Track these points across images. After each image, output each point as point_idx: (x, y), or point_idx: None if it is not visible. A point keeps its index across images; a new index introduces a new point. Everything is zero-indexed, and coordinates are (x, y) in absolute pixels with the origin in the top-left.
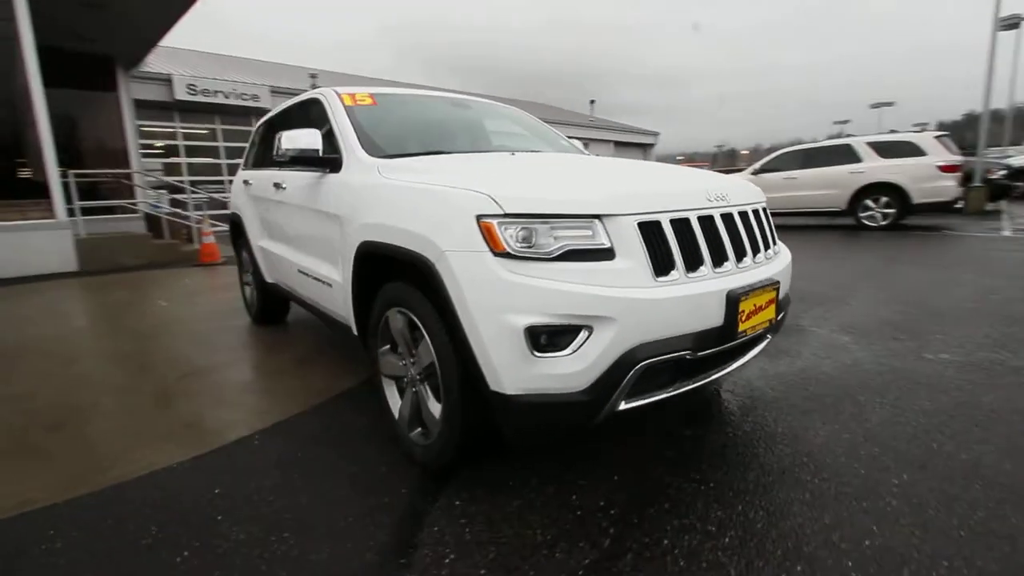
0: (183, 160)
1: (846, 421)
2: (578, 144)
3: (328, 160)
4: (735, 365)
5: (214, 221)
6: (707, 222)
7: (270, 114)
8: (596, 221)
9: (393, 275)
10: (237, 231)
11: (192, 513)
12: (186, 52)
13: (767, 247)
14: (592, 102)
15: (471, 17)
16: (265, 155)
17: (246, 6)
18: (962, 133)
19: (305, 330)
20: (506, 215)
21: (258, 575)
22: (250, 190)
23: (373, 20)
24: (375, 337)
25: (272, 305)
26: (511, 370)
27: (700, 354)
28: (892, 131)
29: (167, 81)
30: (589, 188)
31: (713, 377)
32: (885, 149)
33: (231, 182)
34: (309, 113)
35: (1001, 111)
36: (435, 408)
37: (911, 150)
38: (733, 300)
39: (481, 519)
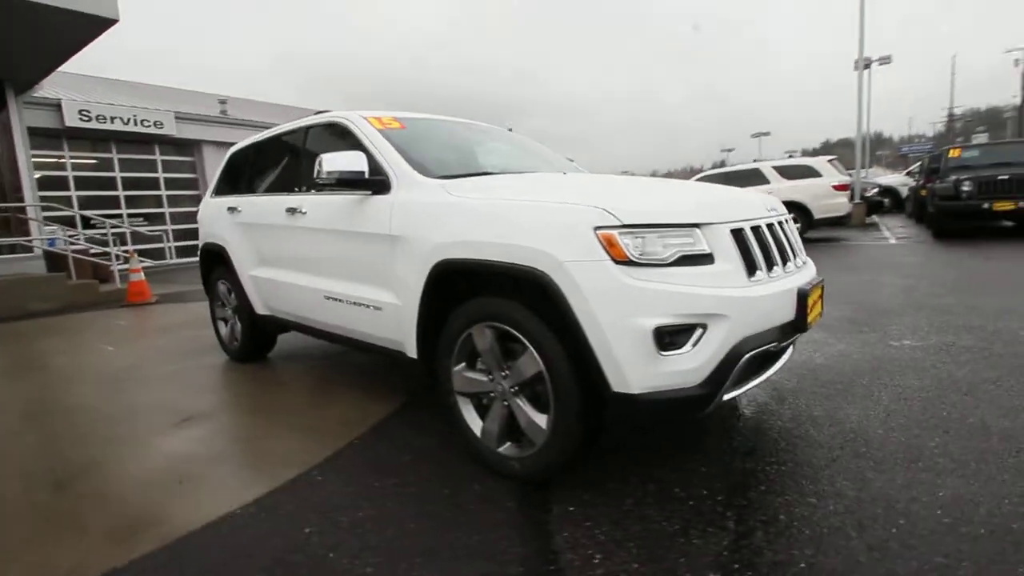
0: (72, 193)
1: (864, 401)
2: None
3: (373, 182)
4: (784, 359)
5: (141, 257)
6: (769, 230)
7: (255, 139)
8: (696, 229)
9: (476, 291)
10: (212, 262)
11: (296, 553)
12: (79, 76)
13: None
14: (510, 129)
15: (383, 51)
16: (257, 180)
17: (149, 31)
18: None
19: (295, 363)
20: (624, 226)
21: None
22: (239, 217)
23: (279, 46)
24: (448, 356)
25: (260, 340)
26: (638, 370)
27: (781, 345)
28: (791, 155)
29: (56, 107)
30: (683, 200)
31: (774, 369)
32: (788, 172)
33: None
34: (324, 136)
35: (852, 139)
36: (539, 419)
37: (810, 172)
38: (803, 296)
39: (605, 520)
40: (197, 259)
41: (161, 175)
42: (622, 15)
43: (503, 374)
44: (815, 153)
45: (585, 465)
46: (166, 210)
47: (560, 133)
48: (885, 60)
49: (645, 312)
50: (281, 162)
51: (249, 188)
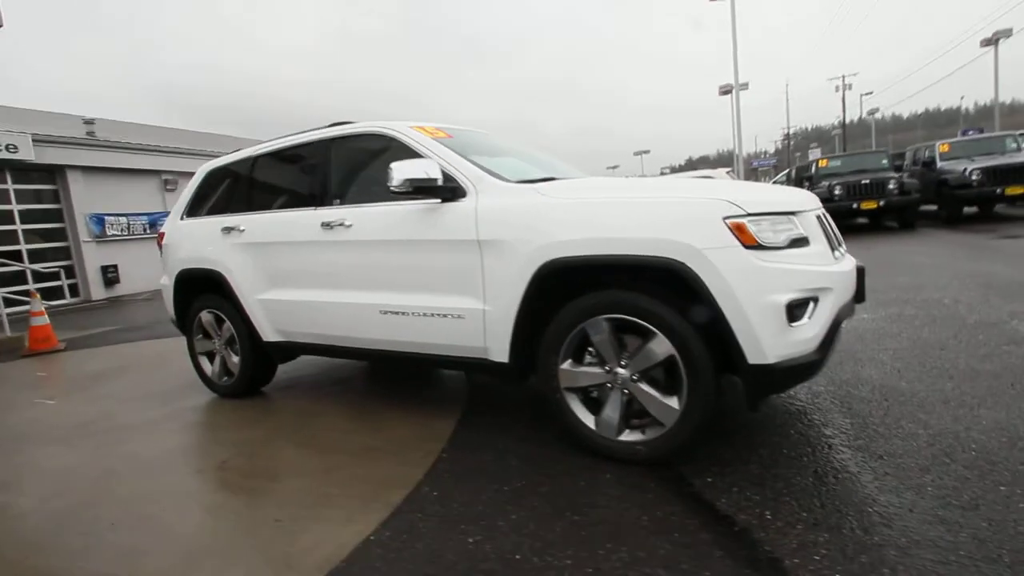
0: None
1: (872, 363)
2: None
3: (446, 189)
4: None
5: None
6: (825, 218)
7: (248, 153)
8: (794, 216)
9: (584, 288)
10: (193, 291)
11: (483, 561)
12: None
13: None
14: None
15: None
16: (262, 197)
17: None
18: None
19: (298, 393)
20: (748, 215)
21: None
22: (241, 237)
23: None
24: (554, 354)
25: (262, 371)
26: (773, 341)
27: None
28: (663, 172)
29: None
30: (775, 192)
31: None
32: None
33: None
34: (358, 148)
35: (709, 156)
36: (669, 401)
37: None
38: (861, 272)
39: (747, 484)
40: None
41: (15, 207)
42: (502, 47)
43: (622, 363)
44: (681, 169)
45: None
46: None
47: None
48: (743, 87)
49: (777, 289)
50: (298, 176)
51: (250, 206)
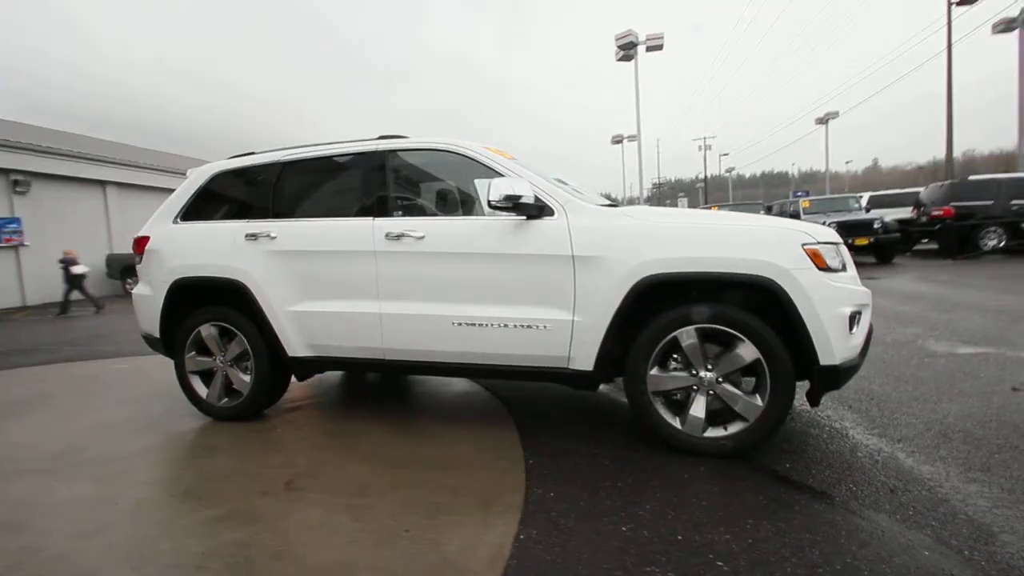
0: None
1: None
2: None
3: (536, 207)
4: None
5: None
6: None
7: (285, 157)
8: (840, 247)
9: (674, 301)
10: (199, 301)
11: (673, 548)
12: None
13: None
14: None
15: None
16: (299, 203)
17: None
18: None
19: (307, 415)
20: (818, 242)
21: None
22: (275, 244)
23: None
24: (645, 361)
25: (275, 391)
26: (839, 346)
27: None
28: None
29: None
30: (822, 228)
31: None
32: None
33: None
34: (423, 162)
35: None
36: (753, 399)
37: None
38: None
39: (823, 465)
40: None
41: None
42: (390, 71)
43: (709, 368)
44: None
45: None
46: None
47: None
48: (632, 139)
49: (844, 303)
50: (346, 185)
51: (281, 212)
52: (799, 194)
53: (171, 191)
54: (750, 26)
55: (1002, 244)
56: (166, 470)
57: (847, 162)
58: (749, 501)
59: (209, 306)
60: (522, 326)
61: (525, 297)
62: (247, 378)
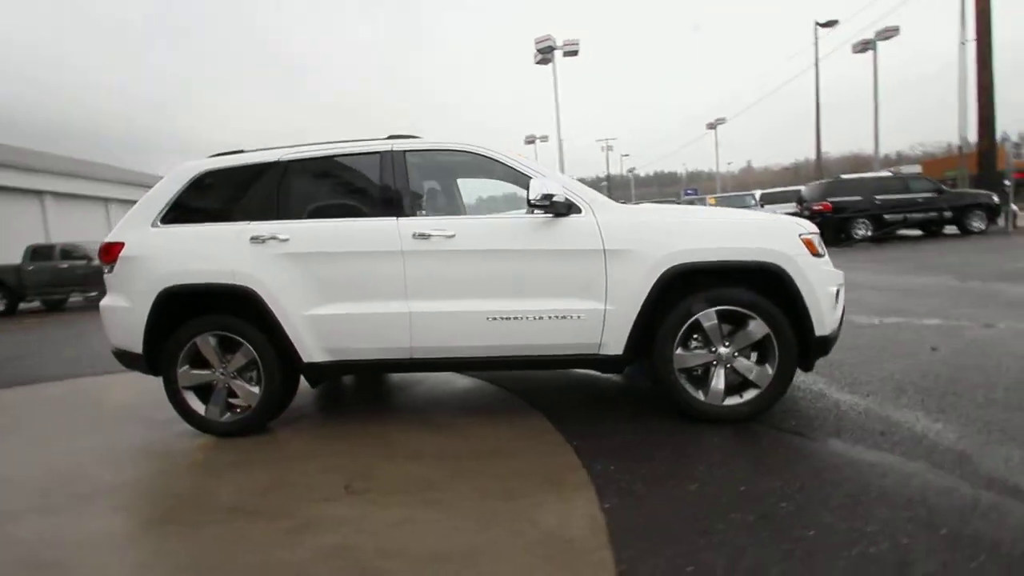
0: None
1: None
2: None
3: (564, 204)
4: None
5: None
6: None
7: (287, 155)
8: (819, 235)
9: (693, 286)
10: (194, 310)
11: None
12: None
13: None
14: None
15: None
16: (308, 203)
17: None
18: None
19: (313, 424)
20: (809, 232)
21: None
22: (288, 247)
23: None
24: (671, 342)
25: (286, 399)
26: (828, 319)
27: None
28: None
29: None
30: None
31: None
32: None
33: None
34: (443, 162)
35: None
36: (765, 368)
37: None
38: None
39: (854, 424)
40: None
41: None
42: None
43: (726, 345)
44: None
45: None
46: None
47: None
48: (544, 139)
49: (830, 283)
50: (361, 185)
51: (289, 213)
52: (689, 192)
53: (107, 200)
54: (648, 39)
55: (870, 233)
56: (191, 491)
57: (728, 163)
58: (779, 454)
59: (205, 315)
60: (557, 317)
61: (559, 289)
62: (255, 389)
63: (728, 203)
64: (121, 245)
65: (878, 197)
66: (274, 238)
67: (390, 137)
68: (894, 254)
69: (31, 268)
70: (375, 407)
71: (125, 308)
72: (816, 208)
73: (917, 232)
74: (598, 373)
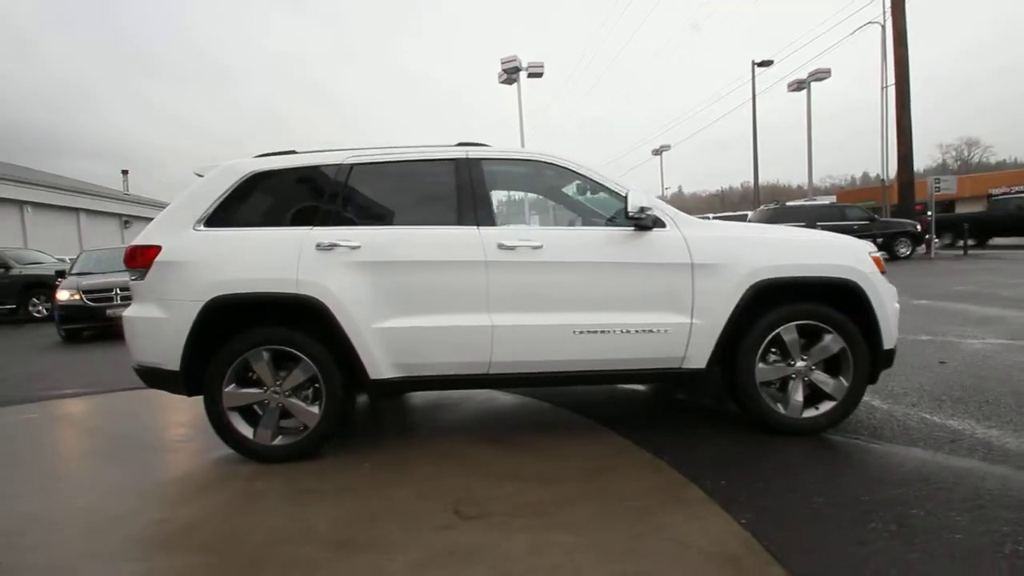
0: None
1: None
2: None
3: (650, 219)
4: None
5: None
6: None
7: (349, 159)
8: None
9: (773, 301)
10: (248, 322)
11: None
12: None
13: None
14: (125, 172)
15: None
16: (382, 210)
17: None
18: None
19: (377, 441)
20: (874, 252)
21: None
22: (359, 255)
23: None
24: (753, 356)
25: (345, 420)
26: (893, 334)
27: None
28: None
29: None
30: None
31: None
32: None
33: None
34: (519, 172)
35: None
36: (841, 381)
37: None
38: None
39: (925, 430)
40: None
41: None
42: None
43: (804, 358)
44: None
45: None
46: None
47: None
48: None
49: (894, 299)
50: (436, 192)
51: (356, 219)
52: None
53: (79, 211)
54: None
55: None
56: (281, 526)
57: (666, 188)
58: (874, 463)
59: (259, 327)
60: (643, 331)
61: (647, 303)
62: (314, 409)
63: None
64: (157, 249)
65: (819, 223)
66: (343, 245)
67: (460, 144)
68: None
69: None
70: (428, 427)
71: (161, 319)
72: None
73: None
74: (641, 386)
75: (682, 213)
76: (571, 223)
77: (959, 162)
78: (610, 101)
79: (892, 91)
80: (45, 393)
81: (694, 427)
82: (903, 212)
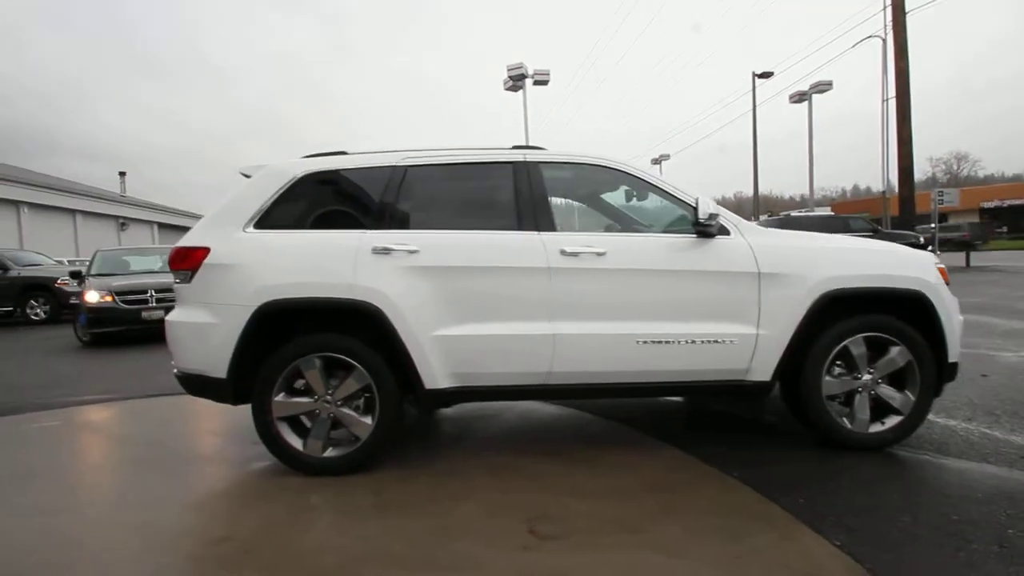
0: None
1: None
2: None
3: (715, 226)
4: None
5: None
6: None
7: (404, 161)
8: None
9: (839, 313)
10: (301, 328)
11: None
12: None
13: None
14: (122, 174)
15: None
16: (439, 214)
17: None
18: None
19: (432, 455)
20: (939, 263)
21: None
22: (418, 259)
23: None
24: (820, 368)
25: (396, 431)
26: (958, 347)
27: None
28: None
29: None
30: None
31: None
32: None
33: None
34: (577, 176)
35: None
36: (907, 395)
37: None
38: None
39: (982, 441)
40: None
41: None
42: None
43: (871, 370)
44: None
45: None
46: None
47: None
48: None
49: (958, 311)
50: (495, 196)
51: (414, 223)
52: None
53: (75, 212)
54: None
55: None
56: (352, 544)
57: None
58: (949, 480)
59: (313, 334)
60: (709, 341)
61: (713, 313)
62: (368, 420)
63: None
64: (206, 251)
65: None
66: (401, 249)
67: (515, 147)
68: None
69: None
70: (473, 439)
71: (209, 325)
72: None
73: None
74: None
75: (744, 220)
76: (622, 229)
77: (948, 175)
78: (609, 111)
79: (893, 103)
80: (63, 400)
81: (749, 442)
82: (904, 224)
